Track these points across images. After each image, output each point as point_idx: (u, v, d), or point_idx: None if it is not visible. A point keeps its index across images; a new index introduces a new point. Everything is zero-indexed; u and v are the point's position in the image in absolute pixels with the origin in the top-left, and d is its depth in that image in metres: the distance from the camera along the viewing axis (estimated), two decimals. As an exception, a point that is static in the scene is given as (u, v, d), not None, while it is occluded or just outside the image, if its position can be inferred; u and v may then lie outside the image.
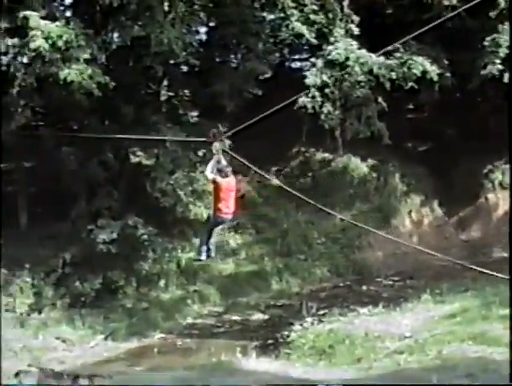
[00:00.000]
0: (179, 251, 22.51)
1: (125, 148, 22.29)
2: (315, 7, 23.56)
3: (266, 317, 21.09)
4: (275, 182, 22.96)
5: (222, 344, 18.12)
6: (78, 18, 19.43)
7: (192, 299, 21.72)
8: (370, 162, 27.37)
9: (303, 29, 23.18)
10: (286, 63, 30.52)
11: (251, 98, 22.39)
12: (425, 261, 23.74)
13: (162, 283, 21.77)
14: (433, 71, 23.07)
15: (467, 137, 27.25)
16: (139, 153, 23.43)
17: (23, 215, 21.86)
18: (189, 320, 20.86)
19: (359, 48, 22.69)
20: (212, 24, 25.29)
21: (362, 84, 23.04)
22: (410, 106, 30.98)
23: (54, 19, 18.46)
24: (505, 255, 23.16)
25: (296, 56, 30.24)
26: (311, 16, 23.51)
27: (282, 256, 24.57)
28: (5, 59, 18.22)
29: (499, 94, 25.78)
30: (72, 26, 18.54)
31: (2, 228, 20.48)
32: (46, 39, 17.84)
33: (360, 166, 26.31)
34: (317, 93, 22.54)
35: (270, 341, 18.47)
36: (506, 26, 22.78)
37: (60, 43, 18.01)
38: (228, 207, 12.38)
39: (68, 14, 21.17)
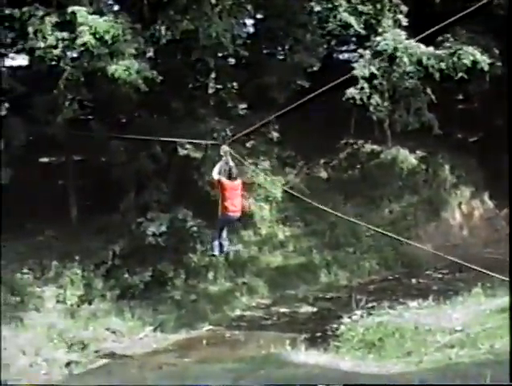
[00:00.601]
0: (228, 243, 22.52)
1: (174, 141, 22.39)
2: (363, -3, 23.36)
3: (315, 309, 21.05)
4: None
5: (271, 336, 18.08)
6: (126, 13, 19.51)
7: (241, 291, 21.80)
8: (419, 153, 27.16)
9: (351, 19, 22.93)
10: (334, 55, 30.29)
11: (299, 90, 22.25)
12: (476, 254, 23.45)
13: (210, 275, 21.83)
14: (484, 60, 22.50)
15: (518, 127, 26.81)
16: (187, 146, 23.48)
17: (73, 208, 22.05)
18: (237, 312, 20.94)
19: (407, 39, 22.37)
20: (259, 16, 25.19)
21: (411, 74, 22.71)
22: (460, 97, 30.61)
23: (101, 14, 18.53)
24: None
25: (344, 48, 30.01)
26: (359, 7, 23.25)
27: (330, 248, 24.51)
28: (55, 52, 18.34)
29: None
30: (120, 20, 18.59)
31: (54, 221, 20.88)
32: (93, 34, 17.93)
33: (409, 158, 25.94)
34: (366, 85, 22.33)
35: (318, 334, 18.43)
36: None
37: (107, 38, 18.08)
38: (234, 206, 13.49)
39: (116, 8, 21.32)
